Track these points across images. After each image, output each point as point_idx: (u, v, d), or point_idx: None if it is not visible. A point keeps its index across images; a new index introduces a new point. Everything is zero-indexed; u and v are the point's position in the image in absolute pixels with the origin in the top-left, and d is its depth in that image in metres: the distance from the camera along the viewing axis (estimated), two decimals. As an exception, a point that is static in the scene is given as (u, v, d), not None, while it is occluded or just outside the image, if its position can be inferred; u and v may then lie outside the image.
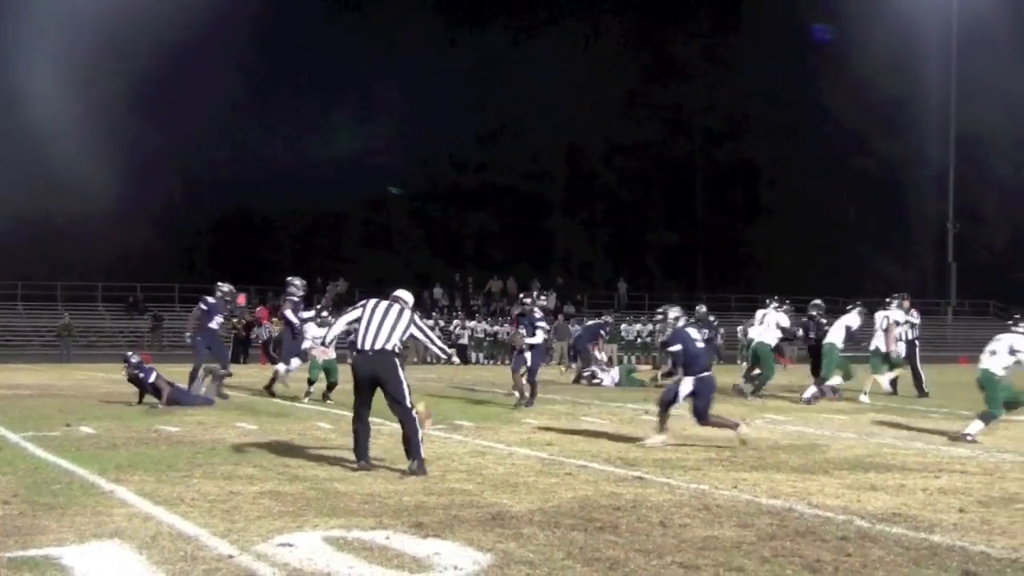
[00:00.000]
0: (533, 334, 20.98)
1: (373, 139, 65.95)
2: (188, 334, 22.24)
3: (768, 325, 24.70)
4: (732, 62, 74.70)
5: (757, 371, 24.80)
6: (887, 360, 23.67)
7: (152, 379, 19.61)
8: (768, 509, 9.60)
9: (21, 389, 25.24)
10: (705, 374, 14.21)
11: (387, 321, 11.68)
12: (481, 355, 49.78)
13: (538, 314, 21.52)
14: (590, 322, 37.60)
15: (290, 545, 7.88)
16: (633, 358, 46.59)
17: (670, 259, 75.83)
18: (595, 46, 74.36)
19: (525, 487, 10.68)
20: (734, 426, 14.30)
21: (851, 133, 71.82)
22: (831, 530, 8.64)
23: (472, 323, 52.22)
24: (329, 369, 21.42)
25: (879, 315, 24.06)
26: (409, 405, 11.40)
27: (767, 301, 25.89)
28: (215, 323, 21.80)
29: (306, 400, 21.01)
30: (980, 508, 9.75)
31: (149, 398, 19.84)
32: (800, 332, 25.93)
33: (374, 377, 11.54)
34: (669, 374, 13.28)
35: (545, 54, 70.40)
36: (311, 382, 21.56)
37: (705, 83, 76.27)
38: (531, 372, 20.86)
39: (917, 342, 26.16)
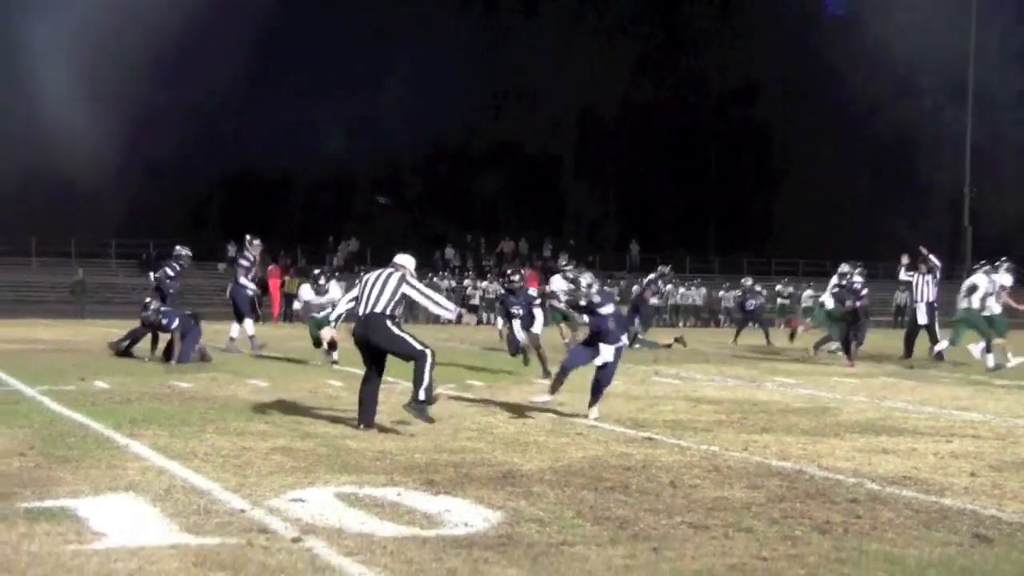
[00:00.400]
0: (529, 312, 19.68)
1: (385, 100, 65.74)
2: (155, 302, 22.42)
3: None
4: (746, 25, 74.35)
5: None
6: (992, 324, 23.38)
7: (175, 325, 19.67)
8: (778, 471, 9.61)
9: (37, 344, 25.35)
10: (623, 344, 13.28)
11: (377, 285, 11.61)
12: (493, 315, 49.79)
13: (532, 292, 20.53)
14: (650, 275, 35.17)
15: (302, 500, 7.92)
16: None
17: (682, 222, 75.63)
18: (610, 8, 74.04)
19: (535, 446, 10.71)
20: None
21: (865, 96, 71.22)
22: (841, 492, 8.66)
23: (484, 283, 52.23)
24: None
25: (991, 278, 23.68)
26: (420, 347, 11.29)
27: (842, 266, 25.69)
28: (174, 289, 22.08)
29: (326, 362, 20.24)
30: (992, 472, 9.75)
31: (160, 351, 19.99)
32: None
33: (368, 341, 11.52)
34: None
35: (560, 17, 70.15)
36: (319, 343, 19.84)
37: (719, 46, 75.92)
38: (511, 344, 19.82)
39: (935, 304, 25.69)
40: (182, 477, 8.76)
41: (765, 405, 14.90)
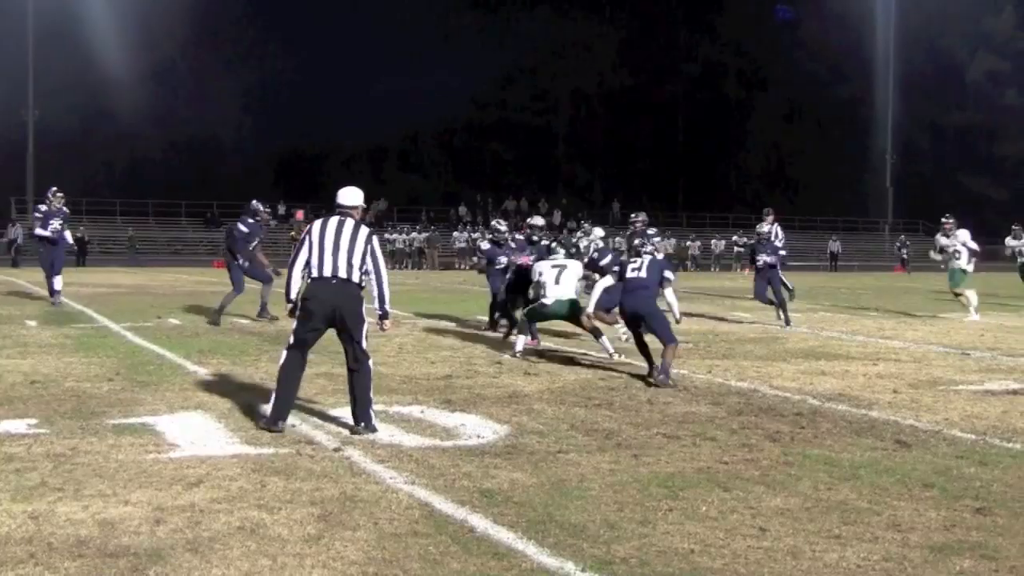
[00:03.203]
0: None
1: (407, 83, 65.38)
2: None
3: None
4: (710, 19, 74.38)
5: None
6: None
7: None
8: (736, 390, 9.61)
9: (119, 288, 25.33)
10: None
11: (344, 242, 7.71)
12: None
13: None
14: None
15: (342, 418, 7.93)
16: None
17: (656, 183, 75.48)
18: (596, 5, 73.72)
19: (536, 371, 10.70)
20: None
21: (808, 79, 71.20)
22: (788, 407, 8.66)
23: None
24: None
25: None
26: (365, 347, 7.82)
27: None
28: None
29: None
30: (910, 389, 9.74)
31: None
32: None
33: (336, 313, 7.74)
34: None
35: (553, 13, 69.94)
36: None
37: (688, 37, 75.94)
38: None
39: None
40: (242, 398, 8.77)
41: (725, 335, 14.88)
